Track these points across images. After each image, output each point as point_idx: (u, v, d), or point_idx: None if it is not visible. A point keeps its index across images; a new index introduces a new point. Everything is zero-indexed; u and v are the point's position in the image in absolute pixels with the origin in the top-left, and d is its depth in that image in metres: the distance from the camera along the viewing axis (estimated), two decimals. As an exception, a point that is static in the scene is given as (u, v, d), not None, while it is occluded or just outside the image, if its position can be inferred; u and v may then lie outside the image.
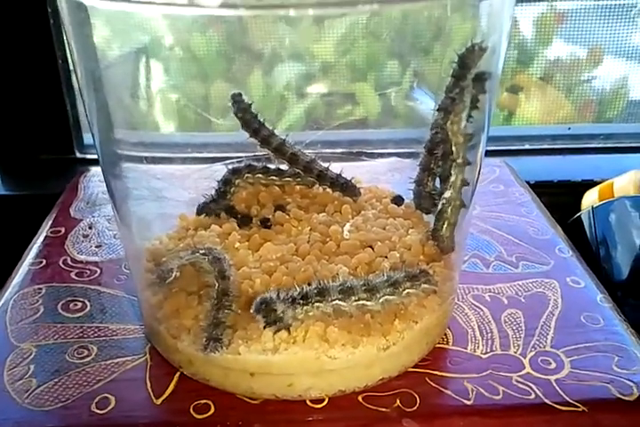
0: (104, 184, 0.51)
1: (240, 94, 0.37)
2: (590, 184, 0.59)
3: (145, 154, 0.43)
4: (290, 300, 0.28)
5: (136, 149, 0.39)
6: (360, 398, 0.30)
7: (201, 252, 0.30)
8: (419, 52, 0.44)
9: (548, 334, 0.34)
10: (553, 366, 0.32)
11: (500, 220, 0.46)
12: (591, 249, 0.49)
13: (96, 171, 0.56)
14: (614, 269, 0.47)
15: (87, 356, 0.33)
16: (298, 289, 0.28)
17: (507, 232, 0.44)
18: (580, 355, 0.32)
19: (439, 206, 0.31)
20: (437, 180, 0.34)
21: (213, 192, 0.38)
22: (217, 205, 0.37)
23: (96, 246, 0.43)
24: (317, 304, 0.28)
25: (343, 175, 0.38)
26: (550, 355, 0.32)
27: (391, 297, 0.28)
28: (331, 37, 0.53)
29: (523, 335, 0.34)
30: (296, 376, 0.29)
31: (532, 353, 0.32)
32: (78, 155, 0.64)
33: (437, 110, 0.31)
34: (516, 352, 0.33)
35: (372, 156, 0.49)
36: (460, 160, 0.30)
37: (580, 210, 0.55)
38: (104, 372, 0.31)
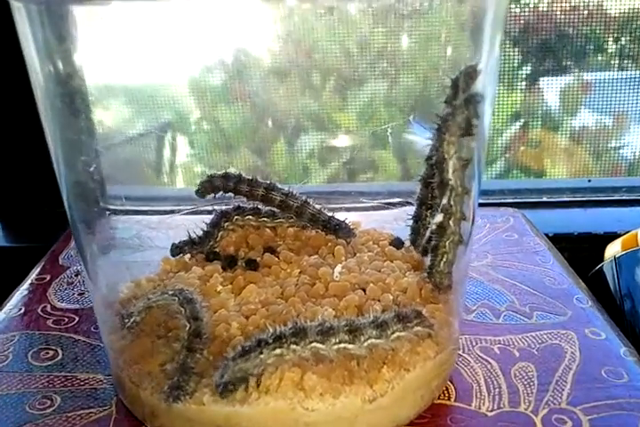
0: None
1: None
2: (612, 237, 0.55)
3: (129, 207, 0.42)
4: (258, 344, 0.25)
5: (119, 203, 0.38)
6: (343, 461, 0.26)
7: (169, 293, 0.28)
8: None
9: (563, 390, 0.30)
10: (569, 425, 0.27)
11: (512, 268, 0.43)
12: (614, 301, 0.45)
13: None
14: (641, 323, 0.42)
15: (49, 407, 0.30)
16: (271, 330, 0.25)
17: (520, 281, 0.41)
18: (601, 413, 0.28)
19: (436, 240, 0.29)
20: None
21: (200, 233, 0.36)
22: (195, 247, 0.35)
23: (79, 294, 0.40)
24: (293, 347, 0.24)
25: (336, 217, 0.36)
26: (566, 413, 0.28)
27: (377, 341, 0.25)
28: (353, 106, 0.53)
29: (535, 391, 0.30)
30: (268, 431, 0.25)
31: (545, 411, 0.28)
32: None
33: (433, 138, 0.29)
34: (526, 409, 0.29)
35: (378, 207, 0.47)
36: (458, 188, 0.27)
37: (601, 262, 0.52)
38: (64, 424, 0.28)
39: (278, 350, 0.24)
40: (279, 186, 0.36)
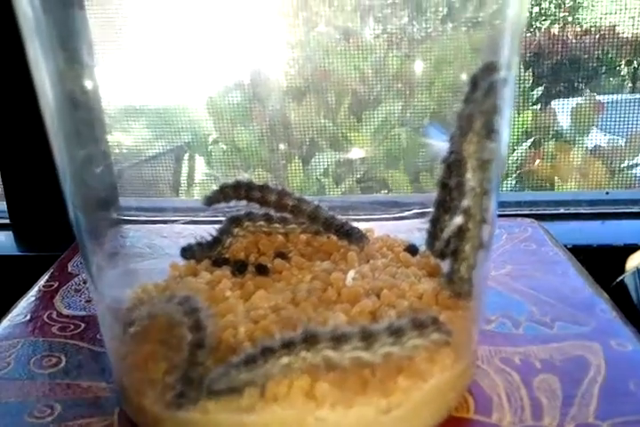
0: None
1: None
2: (632, 249, 0.54)
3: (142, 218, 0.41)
4: (264, 352, 0.23)
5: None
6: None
7: (175, 301, 0.27)
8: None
9: (590, 404, 0.28)
10: (597, 441, 0.26)
11: (532, 279, 0.41)
12: (637, 313, 0.43)
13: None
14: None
15: (49, 415, 0.28)
16: (278, 336, 0.24)
17: (540, 291, 0.39)
18: (631, 429, 0.26)
19: (456, 244, 0.27)
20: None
21: (209, 238, 0.35)
22: (204, 251, 0.34)
23: (86, 301, 0.39)
24: (303, 354, 0.23)
25: (350, 223, 0.35)
26: (593, 428, 0.27)
27: (393, 348, 0.24)
28: (368, 127, 0.53)
29: (559, 404, 0.28)
30: (276, 443, 0.24)
31: (572, 426, 0.27)
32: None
33: (451, 138, 0.28)
34: (550, 424, 0.27)
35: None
36: (477, 189, 0.26)
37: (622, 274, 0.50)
38: (63, 435, 0.27)
39: (286, 359, 0.23)
40: (290, 192, 0.36)
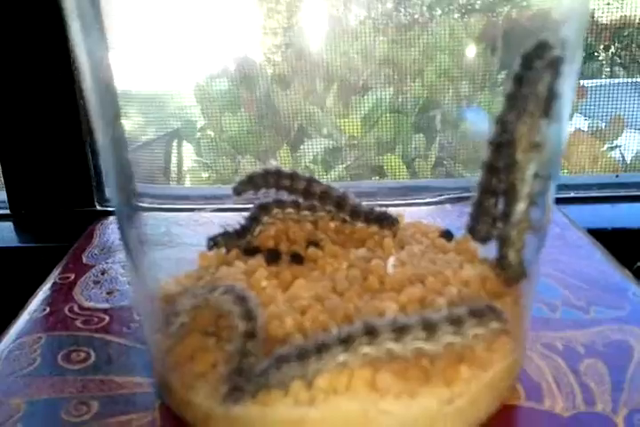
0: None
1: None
2: (647, 231, 0.54)
3: (165, 206, 0.40)
4: (319, 348, 0.22)
5: (156, 200, 0.37)
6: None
7: (220, 290, 0.26)
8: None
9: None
10: (655, 426, 0.25)
11: (559, 262, 0.41)
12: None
13: (113, 219, 0.52)
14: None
15: (86, 413, 0.27)
16: (335, 331, 0.23)
17: (570, 275, 0.39)
18: (686, 413, 0.26)
19: (505, 229, 0.27)
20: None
21: (237, 227, 0.34)
22: (232, 241, 0.33)
23: (107, 293, 0.38)
24: (364, 349, 0.22)
25: (378, 209, 0.34)
26: (648, 413, 0.26)
27: (454, 338, 0.23)
28: (357, 113, 0.53)
29: (609, 389, 0.28)
30: (337, 436, 0.23)
31: (625, 411, 0.26)
32: (98, 207, 0.61)
33: (497, 121, 0.27)
34: (604, 409, 0.27)
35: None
36: (529, 171, 0.25)
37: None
38: (105, 432, 0.26)
39: (343, 356, 0.22)
40: (318, 179, 0.35)
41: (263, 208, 0.35)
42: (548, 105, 0.25)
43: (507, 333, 0.25)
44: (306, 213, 0.35)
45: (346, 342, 0.22)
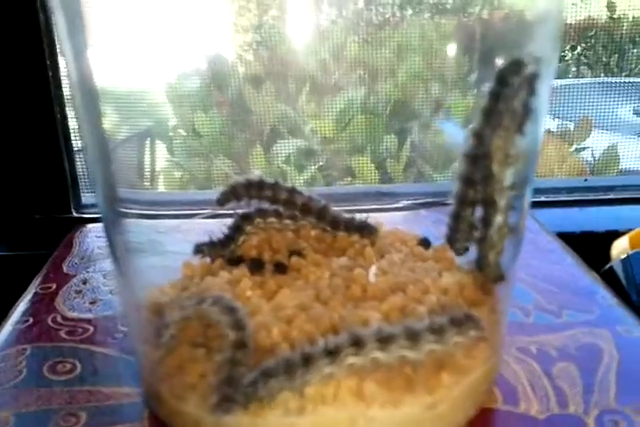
0: (100, 240, 0.48)
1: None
2: (614, 235, 0.56)
3: (148, 212, 0.41)
4: (306, 361, 0.23)
5: (139, 206, 0.37)
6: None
7: (208, 302, 0.26)
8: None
9: (609, 390, 0.29)
10: (623, 425, 0.27)
11: (531, 267, 0.42)
12: (629, 299, 0.45)
13: (92, 227, 0.52)
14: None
15: (75, 424, 0.28)
16: (321, 343, 0.24)
17: (541, 279, 0.40)
18: (653, 413, 0.28)
19: (484, 233, 0.28)
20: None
21: (221, 236, 0.35)
22: (216, 250, 0.33)
23: (90, 303, 0.38)
24: (350, 360, 0.23)
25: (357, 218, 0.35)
26: (617, 413, 0.28)
27: (436, 346, 0.24)
28: (329, 113, 0.53)
29: (581, 392, 0.29)
30: (326, 444, 0.24)
31: (596, 412, 0.28)
32: (75, 214, 0.61)
33: (473, 135, 0.28)
34: (576, 411, 0.28)
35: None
36: (504, 181, 0.26)
37: (607, 261, 0.52)
38: (94, 443, 0.26)
39: (329, 369, 0.23)
40: (299, 190, 0.35)
41: (245, 218, 0.35)
42: (523, 120, 0.26)
43: (484, 340, 0.26)
44: (287, 221, 0.36)
45: (332, 353, 0.23)
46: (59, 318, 0.37)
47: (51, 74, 0.57)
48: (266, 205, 0.36)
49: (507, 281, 0.30)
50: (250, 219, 0.36)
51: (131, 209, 0.35)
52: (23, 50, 0.55)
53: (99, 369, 0.32)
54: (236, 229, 0.35)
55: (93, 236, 0.49)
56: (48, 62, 0.56)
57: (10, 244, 0.58)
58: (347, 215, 0.35)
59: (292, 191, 0.35)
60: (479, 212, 0.29)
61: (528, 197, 0.29)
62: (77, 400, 0.29)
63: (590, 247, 0.57)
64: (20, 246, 0.58)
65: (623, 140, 0.72)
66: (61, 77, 0.57)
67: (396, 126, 0.56)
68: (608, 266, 0.50)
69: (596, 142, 0.71)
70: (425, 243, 0.35)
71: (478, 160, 0.28)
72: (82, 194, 0.62)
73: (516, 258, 0.30)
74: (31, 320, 0.37)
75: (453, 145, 0.42)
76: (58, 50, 0.57)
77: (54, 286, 0.41)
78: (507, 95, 0.26)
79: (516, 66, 0.26)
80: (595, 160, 0.73)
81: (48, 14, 0.55)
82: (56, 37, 0.55)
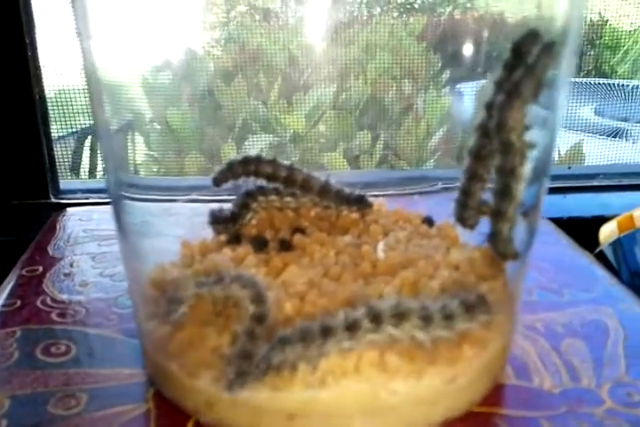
0: (84, 223, 0.47)
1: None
2: (601, 220, 0.56)
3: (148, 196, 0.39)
4: (325, 332, 0.22)
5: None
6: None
7: (227, 279, 0.25)
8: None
9: (620, 364, 0.29)
10: (638, 398, 0.27)
11: (528, 248, 0.42)
12: (621, 281, 0.45)
13: (75, 211, 0.50)
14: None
15: (75, 406, 0.26)
16: (342, 316, 0.23)
17: (540, 260, 0.40)
18: (665, 385, 0.28)
19: (500, 206, 0.27)
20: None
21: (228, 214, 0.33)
22: (228, 225, 0.32)
23: (80, 285, 0.37)
24: (369, 336, 0.22)
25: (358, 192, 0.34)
26: (630, 386, 0.28)
27: (443, 332, 0.23)
28: (300, 109, 0.53)
29: (592, 366, 0.29)
30: (346, 418, 0.23)
31: (609, 385, 0.28)
32: (53, 200, 0.59)
33: (486, 108, 0.28)
34: (589, 385, 0.28)
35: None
36: (523, 149, 0.26)
37: (595, 245, 0.52)
38: (98, 425, 0.25)
39: (347, 344, 0.22)
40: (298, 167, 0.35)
41: (250, 195, 0.34)
42: (539, 90, 0.26)
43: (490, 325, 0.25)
44: (288, 199, 0.35)
45: (351, 327, 0.22)
46: (48, 301, 0.35)
47: (30, 54, 0.54)
48: (264, 183, 0.35)
49: (522, 258, 0.29)
50: (254, 196, 0.35)
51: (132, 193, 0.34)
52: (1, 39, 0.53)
53: (95, 351, 0.31)
54: (243, 207, 0.34)
55: (76, 219, 0.48)
56: (27, 41, 0.54)
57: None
58: (348, 190, 0.34)
59: (292, 168, 0.34)
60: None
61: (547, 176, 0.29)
62: (75, 382, 0.28)
63: (578, 232, 0.57)
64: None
65: (586, 139, 0.74)
66: (39, 57, 0.56)
67: (368, 122, 0.56)
68: (598, 249, 0.50)
69: (559, 141, 0.72)
70: (429, 221, 0.35)
71: (492, 133, 0.28)
72: (60, 179, 0.60)
73: (533, 236, 0.30)
74: (19, 303, 0.35)
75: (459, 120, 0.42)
76: (36, 29, 0.55)
77: (41, 269, 0.39)
78: (524, 65, 0.26)
79: (531, 37, 0.26)
80: (559, 157, 0.74)
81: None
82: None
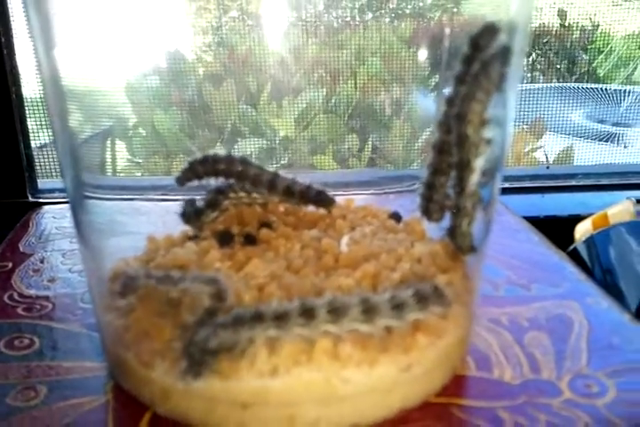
0: (58, 220, 0.46)
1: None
2: (577, 219, 0.57)
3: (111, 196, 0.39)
4: (256, 317, 0.22)
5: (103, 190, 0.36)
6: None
7: (191, 277, 0.25)
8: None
9: (581, 357, 0.29)
10: (596, 389, 0.27)
11: (500, 245, 0.42)
12: (593, 278, 0.46)
13: (49, 208, 0.50)
14: (624, 297, 0.43)
15: (34, 398, 0.26)
16: (275, 305, 0.23)
17: (510, 256, 0.40)
18: (622, 377, 0.28)
19: (458, 201, 0.27)
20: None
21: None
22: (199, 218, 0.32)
23: (48, 281, 0.37)
24: (297, 330, 0.22)
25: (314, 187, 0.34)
26: (589, 378, 0.28)
27: (393, 322, 0.23)
28: (290, 113, 0.53)
29: (553, 359, 0.29)
30: (300, 406, 0.23)
31: (569, 377, 0.28)
32: (31, 199, 0.59)
33: (447, 102, 0.28)
34: (550, 376, 0.28)
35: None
36: (479, 143, 0.26)
37: (570, 244, 0.53)
38: (56, 416, 0.25)
39: (273, 331, 0.22)
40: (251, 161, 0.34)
41: (220, 191, 0.34)
42: (498, 83, 0.26)
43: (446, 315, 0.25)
44: (256, 195, 0.35)
45: (280, 318, 0.22)
46: (15, 296, 0.35)
47: (5, 52, 0.54)
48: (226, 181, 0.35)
49: (479, 250, 0.29)
50: (224, 193, 0.35)
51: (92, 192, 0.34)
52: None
53: (59, 344, 0.30)
54: (210, 204, 0.34)
55: (50, 217, 0.48)
56: (2, 40, 0.54)
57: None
58: (301, 184, 0.34)
59: (244, 163, 0.34)
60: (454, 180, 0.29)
61: (500, 171, 0.29)
62: (36, 374, 0.28)
63: (554, 231, 0.58)
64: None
65: (576, 143, 0.75)
66: (16, 56, 0.55)
67: (357, 126, 0.56)
68: (572, 247, 0.50)
69: (550, 144, 0.73)
70: (396, 216, 0.35)
71: (452, 127, 0.28)
72: (38, 178, 0.60)
73: (488, 230, 0.30)
74: (-15, 298, 0.35)
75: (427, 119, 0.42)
76: (13, 29, 0.55)
77: (10, 265, 0.39)
78: (481, 59, 0.26)
79: (488, 31, 0.26)
80: (547, 161, 0.74)
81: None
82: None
